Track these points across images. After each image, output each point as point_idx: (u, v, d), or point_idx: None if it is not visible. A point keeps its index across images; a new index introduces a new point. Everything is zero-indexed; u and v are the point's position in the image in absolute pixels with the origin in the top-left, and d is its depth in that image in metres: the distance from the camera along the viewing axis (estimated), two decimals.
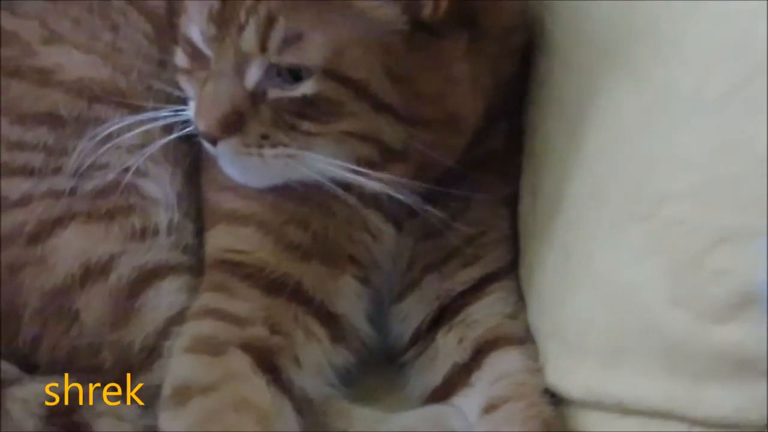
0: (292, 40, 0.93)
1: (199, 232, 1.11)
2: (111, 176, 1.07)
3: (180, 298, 1.06)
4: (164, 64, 1.13)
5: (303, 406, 1.00)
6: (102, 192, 1.07)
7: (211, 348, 0.99)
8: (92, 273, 1.04)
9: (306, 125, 0.96)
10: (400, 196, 0.99)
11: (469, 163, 1.05)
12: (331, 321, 1.05)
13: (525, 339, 1.07)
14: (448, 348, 1.08)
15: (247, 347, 0.99)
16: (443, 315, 1.10)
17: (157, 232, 1.08)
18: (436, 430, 1.01)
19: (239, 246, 1.05)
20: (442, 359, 1.08)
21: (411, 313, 1.11)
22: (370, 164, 0.98)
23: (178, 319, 1.04)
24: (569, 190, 1.02)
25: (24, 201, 1.05)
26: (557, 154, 1.05)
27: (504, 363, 1.05)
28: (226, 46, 0.95)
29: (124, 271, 1.04)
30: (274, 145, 0.97)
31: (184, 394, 0.96)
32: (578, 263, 0.99)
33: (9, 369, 1.01)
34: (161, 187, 1.10)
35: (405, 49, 0.95)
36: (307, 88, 0.94)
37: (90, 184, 1.07)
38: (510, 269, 1.12)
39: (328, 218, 1.06)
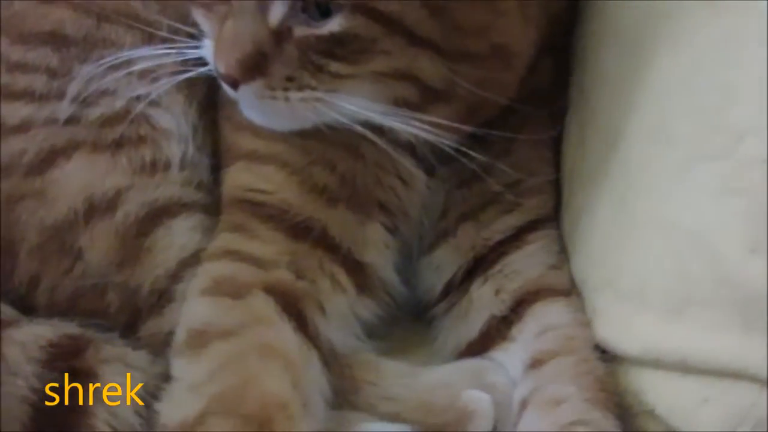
0: None
1: (215, 168, 1.05)
2: (119, 104, 1.01)
3: (194, 238, 0.99)
4: None
5: (329, 357, 0.94)
6: (109, 120, 1.00)
7: (231, 290, 0.93)
8: (97, 208, 0.97)
9: (335, 66, 0.89)
10: (441, 141, 0.93)
11: (514, 101, 0.98)
12: (357, 270, 1.00)
13: (570, 290, 1.00)
14: (484, 300, 1.02)
15: (270, 290, 0.93)
16: (478, 265, 1.04)
17: (169, 166, 1.02)
18: (473, 384, 0.96)
19: (261, 185, 0.99)
20: (477, 312, 1.02)
21: (443, 264, 1.05)
22: (409, 105, 0.91)
23: (191, 260, 0.98)
24: (627, 128, 0.94)
25: (24, 127, 0.99)
26: (612, 88, 0.98)
27: (549, 315, 0.99)
28: None
29: (132, 207, 0.98)
30: (300, 88, 0.90)
31: (201, 339, 0.90)
32: (637, 207, 0.92)
33: (5, 310, 0.95)
34: (174, 118, 1.03)
35: None
36: (335, 24, 0.86)
37: (96, 112, 1.00)
38: (552, 216, 1.06)
39: (356, 161, 0.99)
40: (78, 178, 0.97)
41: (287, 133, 0.97)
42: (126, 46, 1.02)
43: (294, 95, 0.90)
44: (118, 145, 0.99)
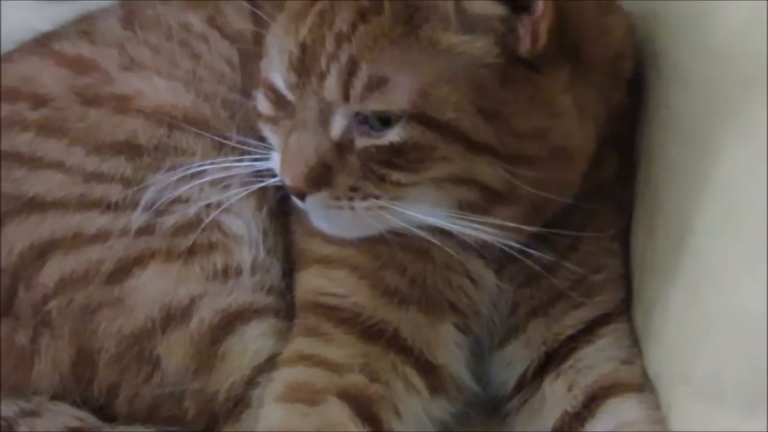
0: (375, 85, 0.88)
1: (286, 272, 1.05)
2: (192, 212, 1.02)
3: (267, 344, 1.00)
4: (248, 92, 1.07)
5: None
6: (182, 228, 1.02)
7: (306, 396, 0.94)
8: (173, 317, 0.98)
9: (396, 175, 0.90)
10: (507, 242, 0.93)
11: (579, 196, 0.98)
12: (430, 371, 0.99)
13: (643, 386, 0.99)
14: (557, 396, 1.01)
15: (345, 395, 0.94)
16: (550, 361, 1.03)
17: (240, 271, 1.02)
18: None
19: (333, 289, 1.00)
20: (550, 408, 1.01)
21: (515, 360, 1.04)
22: (473, 208, 0.92)
23: (266, 366, 0.99)
24: (697, 220, 0.93)
25: (101, 237, 1.00)
26: (679, 180, 0.97)
27: (623, 412, 0.97)
28: (308, 95, 0.91)
29: (205, 314, 0.99)
30: (364, 198, 0.91)
31: None
32: (710, 299, 0.90)
33: (89, 418, 0.96)
34: (244, 223, 1.04)
35: (498, 84, 0.89)
36: (394, 135, 0.88)
37: (169, 220, 1.02)
38: (622, 310, 1.05)
39: (425, 263, 1.00)
40: (154, 287, 0.98)
41: (361, 241, 0.98)
42: (197, 154, 1.04)
43: (359, 204, 0.91)
44: (191, 252, 1.00)
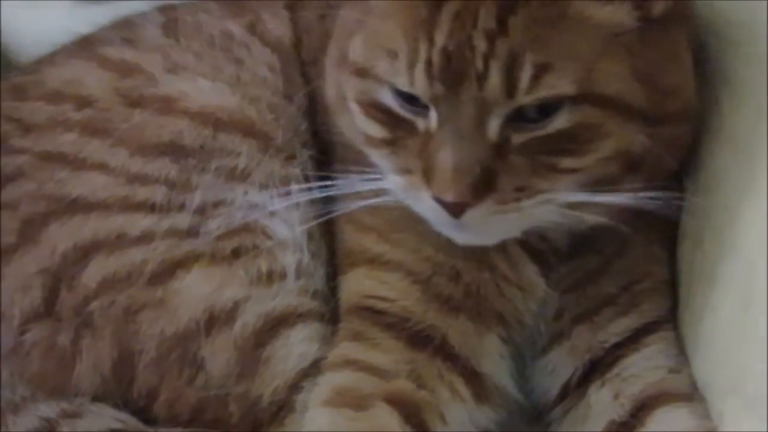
0: (541, 73, 0.85)
1: (330, 277, 1.05)
2: (237, 215, 1.01)
3: (312, 348, 0.99)
4: (290, 97, 1.08)
5: None
6: (226, 232, 1.01)
7: (353, 401, 0.93)
8: (217, 320, 0.97)
9: (565, 162, 0.88)
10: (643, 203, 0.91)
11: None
12: (475, 379, 0.99)
13: (692, 395, 0.98)
14: (603, 404, 1.00)
15: (392, 401, 0.93)
16: (595, 368, 1.02)
17: (285, 275, 1.02)
18: None
19: (383, 292, 0.99)
20: (596, 416, 1.00)
21: (559, 367, 1.03)
22: (608, 181, 0.90)
23: (310, 370, 0.98)
24: (750, 230, 0.92)
25: (144, 239, 1.00)
26: (731, 190, 0.96)
27: (673, 422, 0.96)
28: (462, 102, 0.86)
29: (249, 318, 0.98)
30: (532, 194, 0.88)
31: None
32: (763, 307, 0.88)
33: (129, 420, 0.96)
34: (289, 227, 1.03)
35: (642, 46, 0.89)
36: (561, 121, 0.86)
37: (214, 223, 1.01)
38: (669, 318, 1.04)
39: (482, 272, 0.99)
40: (198, 290, 0.98)
41: (415, 238, 0.98)
42: (243, 155, 1.03)
43: (527, 203, 0.88)
44: (235, 256, 1.00)
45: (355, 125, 0.95)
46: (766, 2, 0.95)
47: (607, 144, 0.88)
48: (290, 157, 1.05)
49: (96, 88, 1.07)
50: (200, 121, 1.04)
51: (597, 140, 0.87)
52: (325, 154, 1.09)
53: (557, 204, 0.89)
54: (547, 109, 0.86)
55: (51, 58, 1.15)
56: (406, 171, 0.91)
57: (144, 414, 0.97)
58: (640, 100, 0.88)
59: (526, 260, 1.00)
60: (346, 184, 0.98)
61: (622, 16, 0.88)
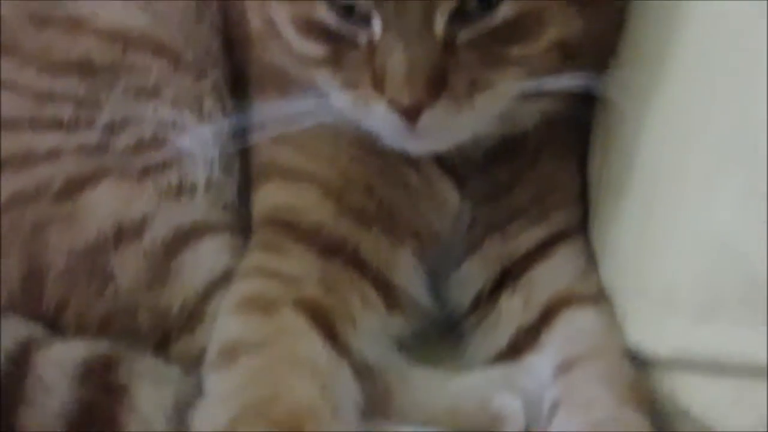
0: None
1: (241, 188, 1.05)
2: (146, 131, 1.01)
3: (222, 259, 0.99)
4: (202, 15, 1.08)
5: (361, 368, 0.94)
6: (135, 147, 1.01)
7: (262, 306, 0.93)
8: (126, 232, 0.97)
9: (514, 50, 0.88)
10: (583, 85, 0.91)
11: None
12: (387, 290, 0.99)
13: (599, 298, 0.99)
14: (513, 311, 1.02)
15: (300, 306, 0.93)
16: (506, 278, 1.03)
17: (195, 188, 1.02)
18: (504, 389, 0.95)
19: (296, 205, 0.99)
20: (505, 323, 1.02)
21: (471, 278, 1.04)
22: (550, 73, 0.90)
23: (220, 281, 0.98)
24: (650, 136, 0.94)
25: (52, 156, 0.99)
26: (635, 98, 0.96)
27: (578, 322, 0.98)
28: (404, 5, 0.86)
29: (159, 230, 0.98)
30: (483, 88, 0.88)
31: (232, 353, 0.90)
32: (664, 214, 0.91)
33: (37, 330, 0.95)
34: (200, 143, 1.03)
35: None
36: (504, 10, 0.86)
37: (123, 139, 1.01)
38: (579, 227, 1.05)
39: (396, 188, 1.00)
40: (107, 204, 0.97)
41: (330, 152, 0.98)
42: (152, 72, 1.03)
43: (480, 98, 0.88)
44: (145, 171, 1.00)
45: (292, 48, 0.94)
46: None
47: (550, 31, 0.88)
48: (201, 75, 1.05)
49: (4, 9, 1.05)
50: (109, 40, 1.03)
51: (541, 27, 0.88)
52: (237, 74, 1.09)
53: (508, 96, 0.90)
54: (488, 1, 0.86)
55: None
56: (352, 86, 0.90)
57: (53, 326, 0.96)
58: None
59: (439, 174, 1.01)
60: (268, 109, 0.98)
61: None
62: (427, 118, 0.87)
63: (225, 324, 0.93)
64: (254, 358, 0.88)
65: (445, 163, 1.00)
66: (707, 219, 0.86)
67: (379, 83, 0.87)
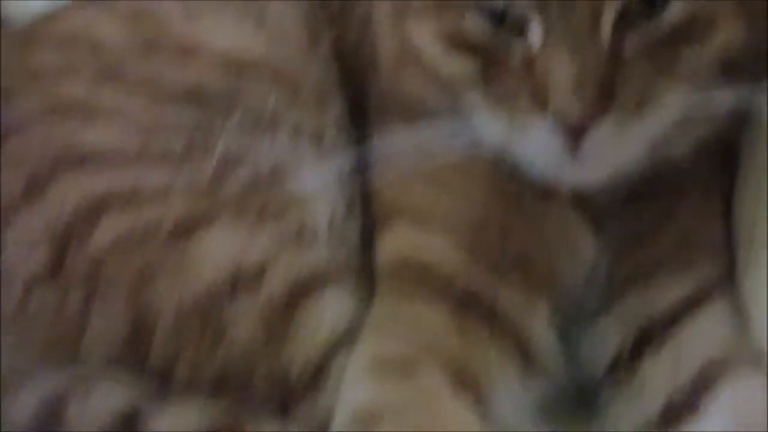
0: None
1: (365, 231, 0.99)
2: (263, 167, 0.95)
3: (345, 312, 0.93)
4: (316, 43, 1.04)
5: None
6: (251, 185, 0.94)
7: (398, 367, 0.87)
8: (242, 281, 0.90)
9: (684, 56, 0.82)
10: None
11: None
12: (524, 348, 0.93)
13: (756, 363, 0.92)
14: (661, 377, 0.94)
15: (441, 367, 0.87)
16: (646, 338, 0.96)
17: (316, 232, 0.95)
18: None
19: (426, 254, 0.93)
20: (653, 390, 0.94)
21: (607, 338, 0.97)
22: (713, 85, 0.84)
23: (345, 336, 0.91)
24: None
25: (161, 193, 0.93)
26: None
27: (740, 393, 0.90)
28: (572, 7, 0.80)
29: (277, 280, 0.91)
30: (651, 102, 0.82)
31: (369, 420, 0.84)
32: None
33: (145, 389, 0.89)
34: (321, 177, 0.97)
35: None
36: (676, 10, 0.81)
37: (238, 176, 0.94)
38: (728, 278, 0.97)
39: (531, 230, 0.93)
40: (221, 249, 0.91)
41: (463, 188, 0.92)
42: (270, 103, 0.97)
43: (648, 113, 0.82)
44: (262, 211, 0.93)
45: (437, 68, 0.89)
46: None
47: (720, 35, 0.83)
48: (321, 106, 1.00)
49: (109, 35, 1.01)
50: (223, 66, 0.99)
51: (711, 31, 0.82)
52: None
53: (676, 111, 0.83)
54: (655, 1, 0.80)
55: (58, 11, 1.11)
56: (506, 104, 0.84)
57: (163, 382, 0.90)
58: None
59: (574, 216, 0.94)
60: (396, 140, 0.91)
61: None
62: (592, 137, 0.80)
63: (357, 387, 0.87)
64: (396, 425, 0.83)
65: (582, 203, 0.93)
66: None
67: (541, 96, 0.80)
